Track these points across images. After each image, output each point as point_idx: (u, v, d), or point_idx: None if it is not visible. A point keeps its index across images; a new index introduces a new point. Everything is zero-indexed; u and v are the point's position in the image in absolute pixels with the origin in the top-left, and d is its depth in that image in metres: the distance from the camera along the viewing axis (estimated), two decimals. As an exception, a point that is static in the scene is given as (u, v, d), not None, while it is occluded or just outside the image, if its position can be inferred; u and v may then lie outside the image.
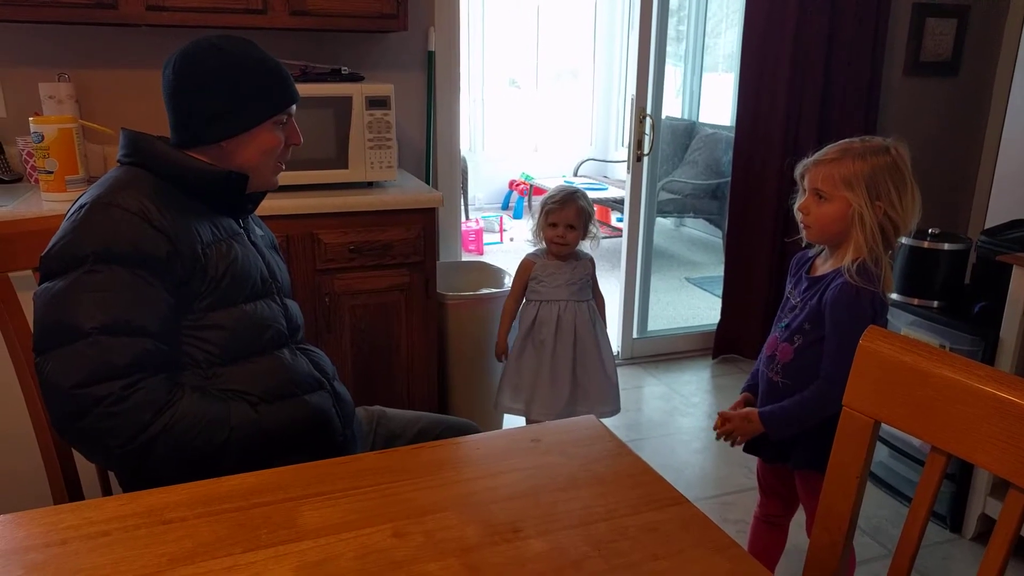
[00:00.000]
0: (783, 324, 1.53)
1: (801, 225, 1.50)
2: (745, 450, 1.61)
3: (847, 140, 1.46)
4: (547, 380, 2.18)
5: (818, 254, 1.56)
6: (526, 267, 2.24)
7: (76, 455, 1.24)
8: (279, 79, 1.27)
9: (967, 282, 2.21)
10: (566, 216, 2.15)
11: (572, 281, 2.19)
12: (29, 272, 1.25)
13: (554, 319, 2.17)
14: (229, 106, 1.22)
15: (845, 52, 3.09)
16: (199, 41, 1.23)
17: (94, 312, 1.07)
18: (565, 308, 2.18)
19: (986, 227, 2.29)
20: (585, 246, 2.27)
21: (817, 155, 1.46)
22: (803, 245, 1.57)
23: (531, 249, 2.28)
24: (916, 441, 2.17)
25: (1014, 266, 1.92)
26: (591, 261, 2.27)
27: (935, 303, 2.17)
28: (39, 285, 1.13)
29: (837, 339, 1.39)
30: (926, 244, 2.14)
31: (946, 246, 2.13)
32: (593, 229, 2.22)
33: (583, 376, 2.20)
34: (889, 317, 1.71)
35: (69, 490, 1.27)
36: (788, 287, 1.59)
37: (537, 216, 2.21)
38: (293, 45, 2.48)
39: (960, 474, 2.10)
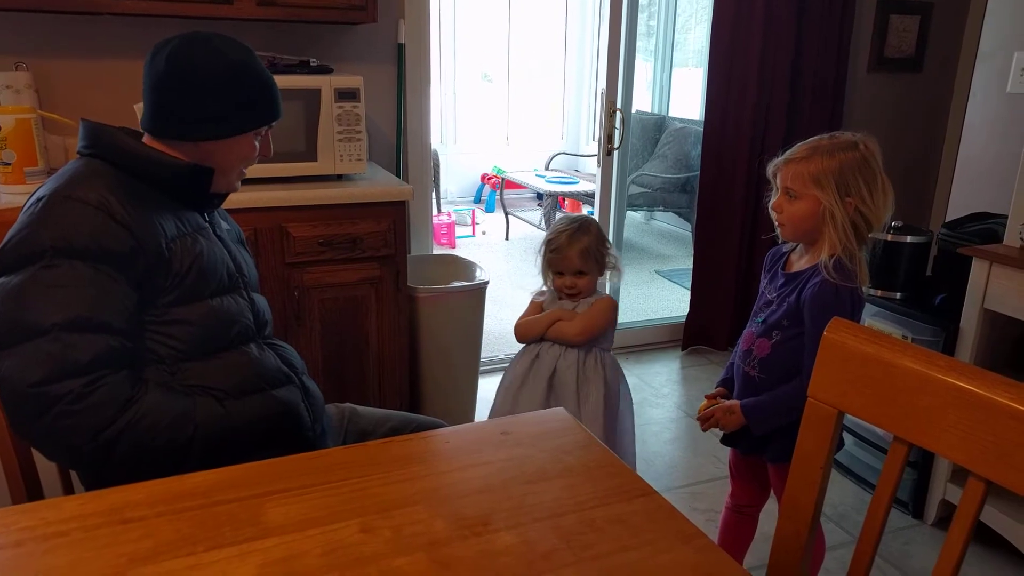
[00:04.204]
0: (760, 319, 1.54)
1: (776, 223, 1.51)
2: (723, 442, 1.63)
3: (816, 138, 1.46)
4: None
5: (792, 249, 1.56)
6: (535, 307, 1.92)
7: (35, 454, 1.21)
8: (271, 93, 1.27)
9: (929, 274, 2.26)
10: (569, 262, 1.79)
11: None
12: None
13: (551, 365, 1.82)
14: (221, 111, 1.21)
15: (812, 48, 3.12)
16: (198, 38, 1.20)
17: (54, 308, 1.04)
18: (564, 354, 1.81)
19: (947, 220, 2.34)
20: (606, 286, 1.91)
21: (787, 153, 1.47)
22: (778, 243, 1.58)
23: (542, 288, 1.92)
24: (880, 430, 2.21)
25: (973, 258, 1.96)
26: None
27: (898, 295, 2.21)
28: (-5, 280, 1.10)
29: (818, 336, 1.40)
30: (889, 237, 2.17)
31: (908, 239, 2.17)
32: (611, 260, 1.84)
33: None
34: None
35: (28, 490, 1.23)
36: (763, 282, 1.60)
37: (540, 256, 1.86)
38: (260, 36, 2.44)
39: (922, 461, 2.15)
